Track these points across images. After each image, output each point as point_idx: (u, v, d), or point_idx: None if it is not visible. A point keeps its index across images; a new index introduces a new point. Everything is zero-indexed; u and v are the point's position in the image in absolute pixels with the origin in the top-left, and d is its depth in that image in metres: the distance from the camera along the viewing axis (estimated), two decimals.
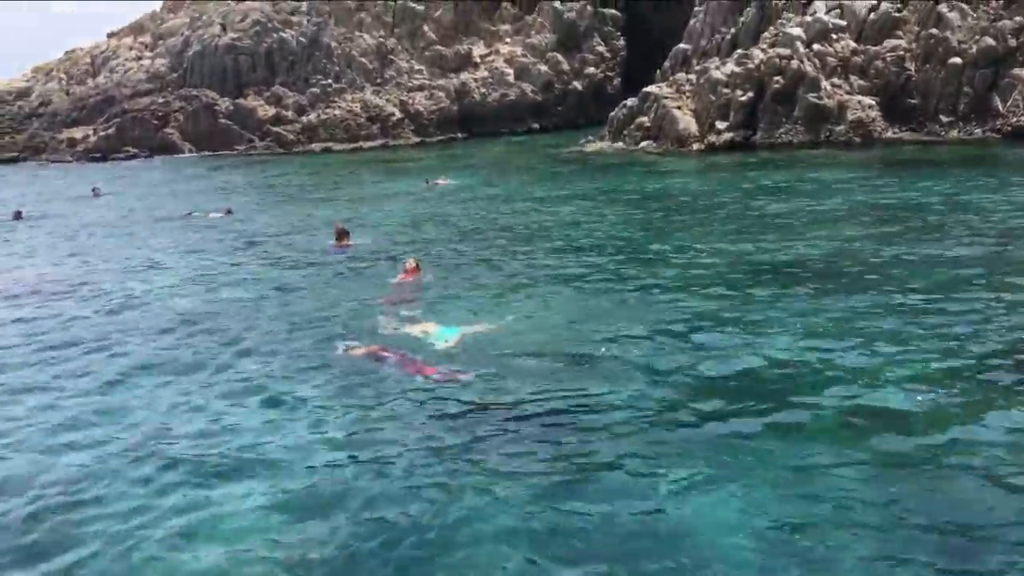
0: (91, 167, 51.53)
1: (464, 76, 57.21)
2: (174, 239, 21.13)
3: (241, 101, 56.30)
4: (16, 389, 10.05)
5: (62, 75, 69.92)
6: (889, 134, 32.84)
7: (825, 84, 33.79)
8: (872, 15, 35.11)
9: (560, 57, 57.49)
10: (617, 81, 57.67)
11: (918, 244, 14.75)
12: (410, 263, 14.50)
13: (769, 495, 6.49)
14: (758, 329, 10.37)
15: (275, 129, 54.80)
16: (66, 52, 74.21)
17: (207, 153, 54.23)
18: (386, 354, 10.07)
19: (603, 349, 10.04)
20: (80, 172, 47.98)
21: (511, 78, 56.98)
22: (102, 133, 59.26)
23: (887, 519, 6.08)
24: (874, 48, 34.31)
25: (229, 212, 24.67)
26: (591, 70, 57.94)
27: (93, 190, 33.63)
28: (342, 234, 18.21)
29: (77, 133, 61.42)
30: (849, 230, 16.46)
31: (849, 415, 7.80)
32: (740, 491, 6.57)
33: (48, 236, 23.27)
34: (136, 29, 72.84)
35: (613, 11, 59.61)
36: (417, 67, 58.06)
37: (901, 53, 33.83)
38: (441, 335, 10.58)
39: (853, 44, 34.79)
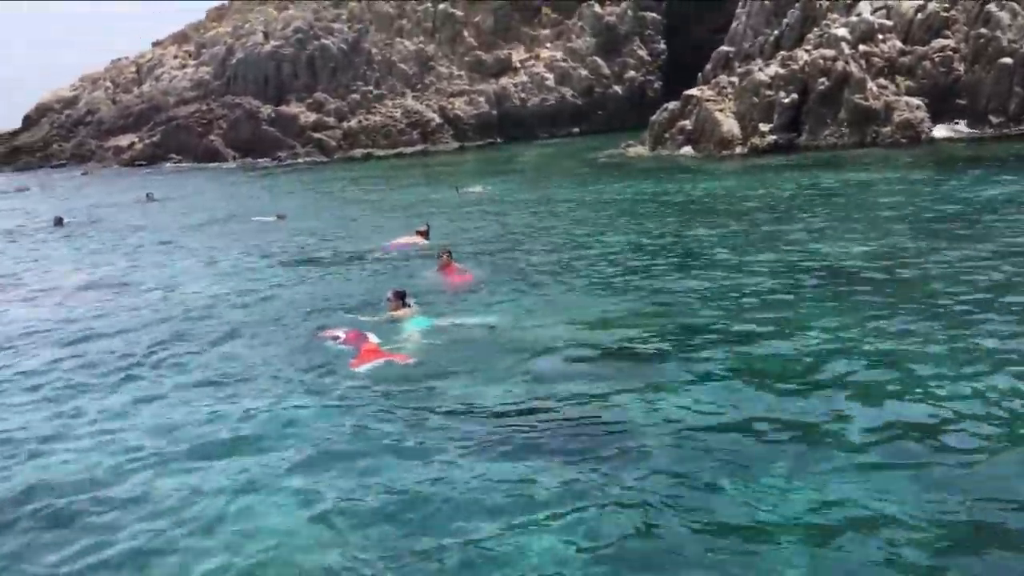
0: (135, 173, 52.29)
1: (504, 81, 57.27)
2: (228, 242, 21.32)
3: (283, 108, 56.86)
4: (52, 388, 10.22)
5: (108, 84, 71.19)
6: (937, 135, 32.25)
7: (871, 85, 33.25)
8: (919, 15, 34.57)
9: (600, 61, 57.34)
10: (658, 85, 57.34)
11: (967, 246, 14.35)
12: (444, 258, 14.76)
13: (808, 503, 6.28)
14: (800, 335, 10.10)
15: (316, 135, 55.24)
16: (112, 61, 75.58)
17: (249, 160, 54.75)
18: (341, 335, 10.76)
19: (627, 349, 9.98)
20: (128, 179, 48.79)
21: (551, 82, 56.94)
22: (147, 140, 60.23)
23: (925, 531, 5.87)
24: (921, 48, 33.76)
25: (281, 217, 24.78)
26: (631, 74, 57.71)
27: (147, 195, 34.05)
28: (424, 232, 18.91)
29: (123, 141, 62.51)
30: (897, 232, 16.11)
31: (893, 426, 7.53)
32: (777, 498, 6.39)
33: (104, 239, 23.77)
34: (180, 38, 73.95)
35: (653, 14, 59.33)
36: (457, 72, 58.24)
37: (949, 53, 33.25)
38: (415, 324, 11.27)
39: (900, 44, 34.25)
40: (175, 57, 69.78)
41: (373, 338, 10.62)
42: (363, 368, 9.73)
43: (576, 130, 55.92)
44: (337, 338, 10.73)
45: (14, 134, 73.59)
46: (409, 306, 11.94)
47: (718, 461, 7.02)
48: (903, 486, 6.40)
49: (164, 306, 14.21)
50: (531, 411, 8.34)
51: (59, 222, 27.54)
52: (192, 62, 67.13)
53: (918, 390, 8.19)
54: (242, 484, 7.17)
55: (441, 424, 8.15)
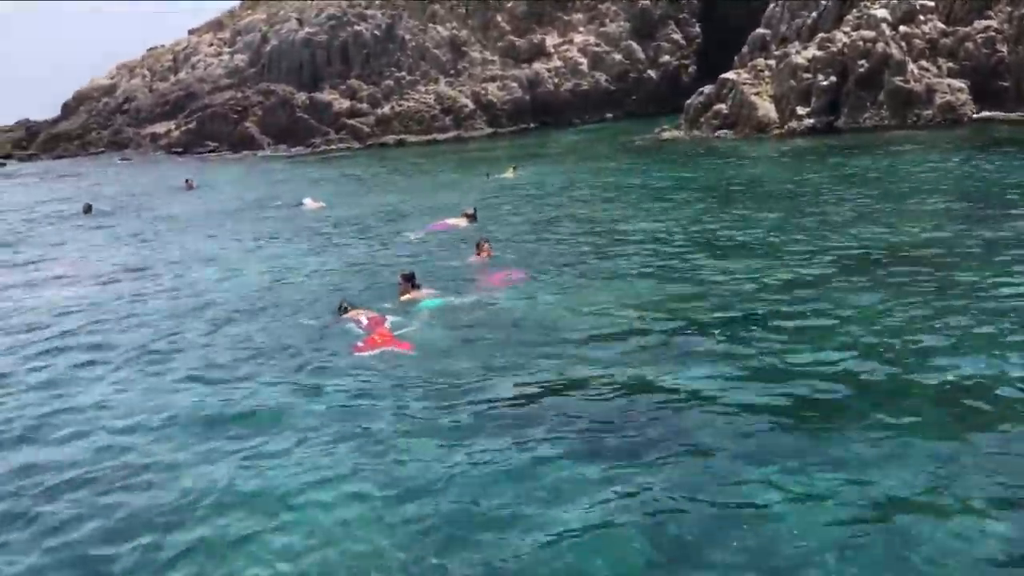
0: (174, 160, 52.73)
1: (537, 66, 56.94)
2: (263, 229, 21.38)
3: (317, 94, 56.91)
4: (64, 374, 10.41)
5: (145, 72, 71.78)
6: (979, 117, 31.64)
7: (912, 67, 32.68)
8: None
9: (634, 45, 56.82)
10: (693, 69, 56.69)
11: (1011, 229, 14.05)
12: (484, 246, 14.85)
13: (852, 490, 6.21)
14: (840, 320, 9.95)
15: (350, 122, 55.26)
16: (148, 49, 76.20)
17: (284, 147, 54.86)
18: (364, 319, 11.05)
19: (657, 334, 9.97)
20: (165, 165, 49.28)
21: (584, 67, 56.53)
22: (184, 128, 60.63)
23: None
24: (964, 29, 33.10)
25: (319, 204, 24.68)
26: (666, 58, 57.14)
27: (186, 181, 34.00)
28: (471, 216, 19.10)
29: (160, 128, 62.99)
30: (940, 216, 15.84)
31: (935, 408, 7.46)
32: (821, 486, 6.31)
33: (133, 226, 23.97)
34: (215, 26, 74.35)
35: None
36: (490, 58, 58.00)
37: (992, 34, 32.57)
38: (425, 305, 11.79)
39: (941, 25, 33.61)
40: (210, 45, 70.15)
41: (389, 323, 10.85)
42: (367, 355, 9.88)
43: (610, 115, 55.49)
44: (359, 323, 10.93)
45: (53, 122, 74.53)
46: (419, 287, 12.24)
47: (752, 449, 6.94)
48: (954, 472, 6.28)
49: (188, 291, 14.47)
50: (542, 398, 8.29)
51: (88, 209, 27.63)
52: (227, 50, 67.45)
53: (963, 375, 8.05)
54: (228, 472, 7.30)
55: (439, 412, 8.15)
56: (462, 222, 18.81)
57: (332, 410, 8.41)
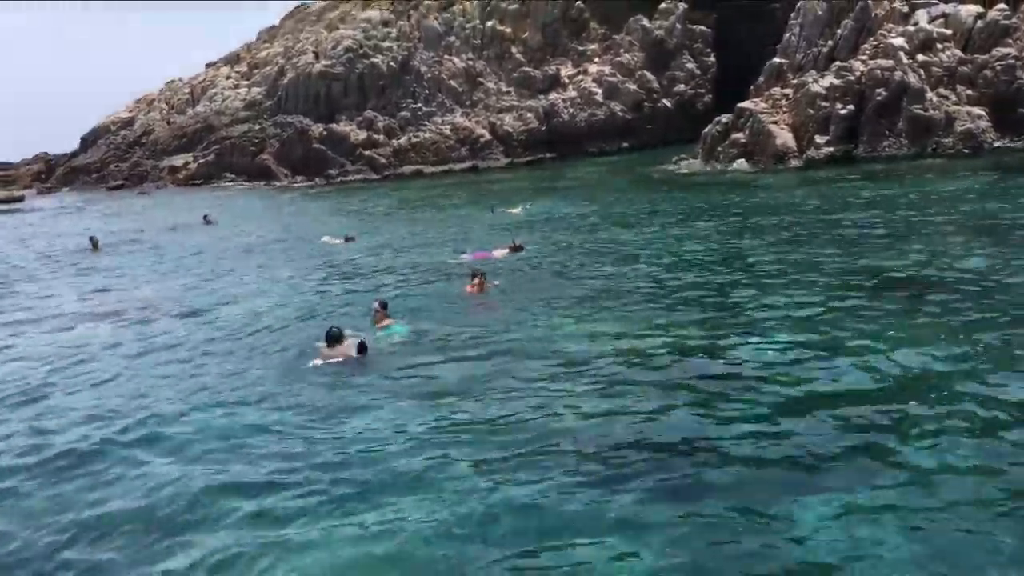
0: (192, 193, 53.06)
1: (552, 96, 57.21)
2: (284, 267, 21.00)
3: (334, 126, 57.27)
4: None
5: (163, 105, 72.57)
6: (1000, 145, 31.45)
7: (931, 95, 32.59)
8: (979, 23, 33.80)
9: (649, 75, 57.04)
10: (708, 98, 56.90)
11: None
12: (476, 277, 15.10)
13: (869, 524, 6.09)
14: (855, 351, 9.80)
15: (367, 153, 55.57)
16: (166, 82, 77.10)
17: (301, 179, 55.13)
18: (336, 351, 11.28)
19: (666, 363, 9.98)
20: (184, 197, 49.50)
21: (600, 97, 56.75)
22: (201, 160, 61.14)
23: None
24: (982, 57, 33.00)
25: (349, 239, 24.31)
26: (681, 87, 57.32)
27: (204, 218, 33.91)
28: (516, 247, 19.34)
29: (178, 161, 63.58)
30: (960, 245, 15.64)
31: (957, 434, 7.37)
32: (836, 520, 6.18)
33: (137, 261, 24.20)
34: (232, 59, 75.22)
35: (703, 27, 58.92)
36: (505, 89, 58.34)
37: (1011, 61, 32.44)
38: (393, 331, 12.24)
39: (959, 53, 33.52)
40: (228, 78, 70.93)
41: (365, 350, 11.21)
42: (329, 373, 10.47)
43: (625, 144, 55.62)
44: (333, 354, 11.23)
45: (72, 156, 75.37)
46: (389, 316, 12.75)
47: (769, 482, 6.84)
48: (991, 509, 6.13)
49: (174, 336, 14.18)
50: (522, 425, 8.33)
51: (94, 244, 27.87)
52: (244, 83, 68.16)
53: (999, 402, 7.89)
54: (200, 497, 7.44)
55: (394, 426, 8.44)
56: (506, 252, 19.02)
57: (295, 436, 8.64)
